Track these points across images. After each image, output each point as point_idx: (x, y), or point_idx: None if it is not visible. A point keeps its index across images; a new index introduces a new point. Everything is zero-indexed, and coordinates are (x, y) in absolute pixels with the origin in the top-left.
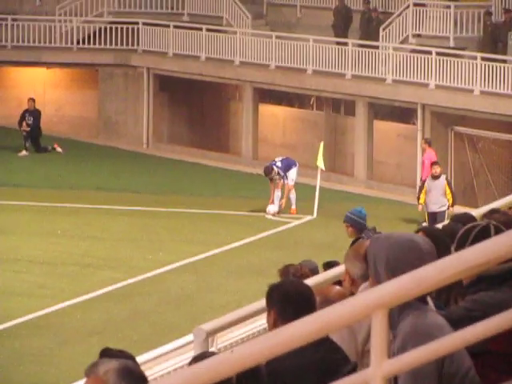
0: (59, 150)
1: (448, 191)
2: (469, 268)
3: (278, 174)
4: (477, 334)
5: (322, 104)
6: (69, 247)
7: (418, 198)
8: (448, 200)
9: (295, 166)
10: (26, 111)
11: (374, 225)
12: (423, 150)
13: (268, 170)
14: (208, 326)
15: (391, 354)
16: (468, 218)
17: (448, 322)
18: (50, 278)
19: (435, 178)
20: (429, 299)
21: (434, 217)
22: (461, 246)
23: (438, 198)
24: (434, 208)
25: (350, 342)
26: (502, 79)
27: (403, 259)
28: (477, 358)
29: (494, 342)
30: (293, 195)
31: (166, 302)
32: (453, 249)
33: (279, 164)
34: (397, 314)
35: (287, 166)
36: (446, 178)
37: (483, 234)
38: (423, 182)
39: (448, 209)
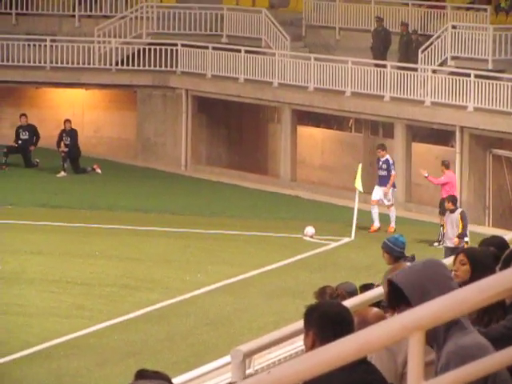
0: (98, 171)
1: (460, 225)
2: (508, 289)
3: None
4: None
5: (360, 126)
6: (106, 268)
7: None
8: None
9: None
10: (63, 131)
11: (413, 253)
12: (442, 172)
13: None
14: (245, 347)
15: (435, 374)
16: (498, 241)
17: (487, 340)
18: (88, 299)
19: (451, 211)
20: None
21: (449, 253)
22: (505, 267)
23: (454, 233)
24: (448, 243)
25: (390, 364)
26: None
27: (437, 282)
28: None
29: None
30: (393, 213)
31: (203, 323)
32: (497, 269)
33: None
34: (442, 334)
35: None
36: (461, 212)
37: None
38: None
39: (460, 242)
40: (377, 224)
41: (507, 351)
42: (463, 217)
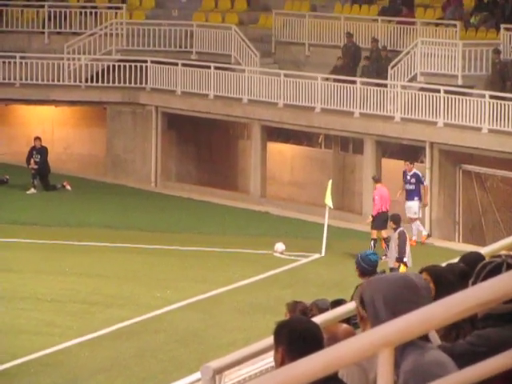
0: (68, 187)
1: (397, 245)
2: (475, 306)
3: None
4: (479, 373)
5: (330, 142)
6: (76, 285)
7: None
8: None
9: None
10: (33, 149)
11: (383, 269)
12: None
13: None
14: (215, 363)
15: None
16: (472, 257)
17: (451, 356)
18: (58, 316)
19: (394, 230)
20: (434, 334)
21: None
22: (475, 282)
23: (393, 254)
24: (390, 263)
25: (361, 381)
26: (511, 117)
27: (401, 296)
28: None
29: (492, 381)
30: (418, 226)
31: (173, 339)
32: (470, 283)
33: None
34: (399, 353)
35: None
36: (399, 232)
37: (494, 271)
38: (375, 217)
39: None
40: (424, 233)
41: (471, 369)
42: (399, 237)
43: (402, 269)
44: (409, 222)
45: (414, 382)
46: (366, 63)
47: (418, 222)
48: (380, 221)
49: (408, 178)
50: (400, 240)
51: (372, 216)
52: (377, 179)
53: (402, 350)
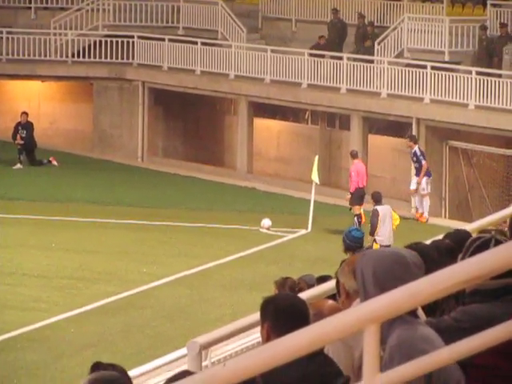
0: (55, 163)
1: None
2: (460, 282)
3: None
4: (465, 349)
5: (316, 118)
6: (63, 260)
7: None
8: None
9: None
10: (18, 124)
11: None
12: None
13: None
14: (202, 339)
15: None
16: (459, 234)
17: (436, 331)
18: (45, 292)
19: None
20: (421, 312)
21: None
22: (464, 258)
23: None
24: (389, 242)
25: (346, 358)
26: (497, 93)
27: (390, 272)
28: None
29: (479, 356)
30: (426, 203)
31: (160, 315)
32: (459, 258)
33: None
34: (386, 328)
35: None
36: (372, 210)
37: (482, 247)
38: (353, 193)
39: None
40: (420, 210)
41: (457, 345)
42: (372, 215)
43: (375, 246)
44: (420, 197)
45: (400, 357)
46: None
47: (427, 198)
48: (357, 196)
49: (411, 156)
50: (371, 217)
51: (350, 192)
52: (354, 154)
53: (389, 325)
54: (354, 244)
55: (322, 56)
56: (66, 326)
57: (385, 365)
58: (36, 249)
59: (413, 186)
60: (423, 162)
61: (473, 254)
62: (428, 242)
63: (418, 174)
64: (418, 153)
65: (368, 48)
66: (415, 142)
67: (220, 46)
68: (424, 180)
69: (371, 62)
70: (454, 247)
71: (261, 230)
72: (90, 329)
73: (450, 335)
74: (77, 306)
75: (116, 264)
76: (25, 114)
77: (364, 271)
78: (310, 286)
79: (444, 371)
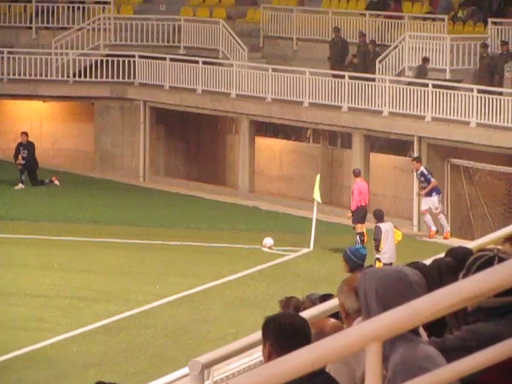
0: (56, 182)
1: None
2: (463, 300)
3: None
4: (469, 366)
5: (318, 137)
6: (65, 280)
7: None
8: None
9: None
10: (20, 144)
11: (371, 263)
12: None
13: None
14: (204, 358)
15: None
16: (460, 251)
17: (441, 351)
18: (47, 311)
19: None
20: (421, 330)
21: None
22: (466, 275)
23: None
24: (392, 259)
25: (348, 378)
26: (499, 111)
27: (392, 291)
28: None
29: (485, 374)
30: (442, 220)
31: (162, 334)
32: (460, 276)
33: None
34: (388, 346)
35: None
36: (374, 227)
37: (486, 265)
38: (355, 212)
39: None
40: (433, 228)
41: (460, 363)
42: (375, 232)
43: (378, 265)
44: (434, 216)
45: (403, 376)
46: (354, 60)
47: (441, 216)
48: (359, 215)
49: (418, 176)
50: (375, 234)
51: (351, 211)
52: (357, 173)
53: (392, 343)
54: (360, 262)
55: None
56: (69, 346)
57: (388, 383)
58: (38, 269)
59: (424, 207)
60: (432, 180)
61: (477, 271)
62: (429, 260)
63: (426, 195)
64: (426, 172)
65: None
66: (420, 163)
67: (221, 65)
68: (436, 198)
69: (373, 80)
70: (455, 265)
71: (263, 248)
72: (92, 348)
73: (456, 354)
74: (79, 325)
75: (118, 283)
76: (24, 134)
77: (367, 290)
78: (315, 305)
79: None
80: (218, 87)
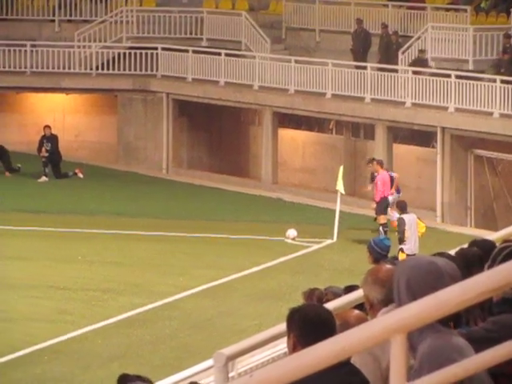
0: (80, 175)
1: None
2: (489, 291)
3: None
4: (494, 357)
5: (341, 128)
6: (89, 273)
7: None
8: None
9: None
10: (43, 137)
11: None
12: (376, 172)
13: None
14: (228, 350)
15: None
16: (484, 243)
17: (468, 342)
18: (71, 304)
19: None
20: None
21: None
22: (491, 266)
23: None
24: (415, 250)
25: (374, 369)
26: None
27: (422, 281)
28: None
29: (511, 365)
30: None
31: (186, 326)
32: (486, 267)
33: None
34: (417, 335)
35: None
36: (397, 219)
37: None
38: (378, 203)
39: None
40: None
41: (486, 354)
42: (398, 223)
43: (401, 256)
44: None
45: (430, 365)
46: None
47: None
48: (382, 206)
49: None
50: (399, 226)
51: (375, 202)
52: (381, 163)
53: (420, 332)
54: (384, 253)
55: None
56: (93, 338)
57: (414, 373)
58: (61, 261)
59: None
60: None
61: (502, 262)
62: (454, 250)
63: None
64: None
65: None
66: (382, 166)
67: (244, 56)
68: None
69: (395, 71)
70: (482, 255)
71: (286, 240)
72: (116, 341)
73: (482, 346)
74: (103, 318)
75: (141, 276)
76: (48, 127)
77: (399, 280)
78: (337, 296)
79: (475, 381)
80: (241, 79)
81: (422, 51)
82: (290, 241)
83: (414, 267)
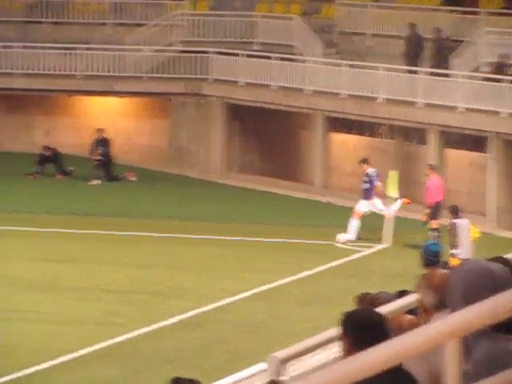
0: (133, 178)
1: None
2: None
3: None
4: None
5: (393, 132)
6: (140, 276)
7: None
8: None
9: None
10: (96, 140)
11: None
12: (427, 176)
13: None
14: (281, 353)
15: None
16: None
17: None
18: (121, 307)
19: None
20: None
21: None
22: None
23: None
24: (468, 255)
25: (426, 373)
26: None
27: (476, 286)
28: None
29: None
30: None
31: (238, 330)
32: None
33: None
34: (471, 340)
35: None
36: (450, 224)
37: None
38: (431, 208)
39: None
40: (350, 237)
41: None
42: (450, 228)
43: (452, 261)
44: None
45: (486, 371)
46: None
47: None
48: (434, 211)
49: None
50: (451, 231)
51: (428, 206)
52: (433, 168)
53: (475, 337)
54: (433, 258)
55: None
56: (144, 342)
57: (470, 378)
58: (112, 264)
59: (362, 209)
60: (378, 184)
61: None
62: (507, 255)
63: (368, 197)
64: (373, 174)
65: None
66: (367, 164)
67: (296, 60)
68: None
69: (448, 75)
70: None
71: (336, 244)
72: (168, 344)
73: None
74: (154, 321)
75: (193, 279)
76: (100, 130)
77: (454, 284)
78: (389, 301)
79: None
80: (293, 83)
81: (504, 56)
82: (340, 245)
83: (468, 272)
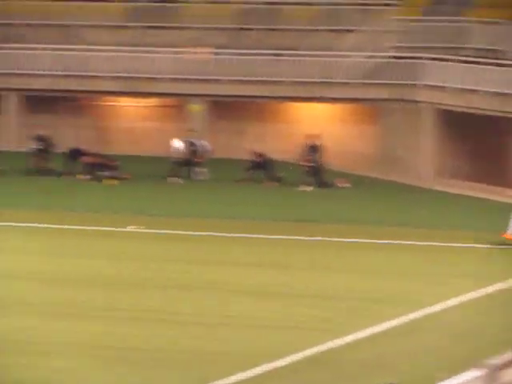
0: (345, 185)
1: None
2: None
3: None
4: None
5: None
6: (349, 282)
7: None
8: None
9: None
10: (307, 146)
11: None
12: None
13: None
14: (495, 360)
15: None
16: None
17: None
18: (332, 312)
19: None
20: None
21: None
22: None
23: None
24: None
25: None
26: None
27: None
28: None
29: None
30: None
31: (449, 337)
32: None
33: None
34: None
35: None
36: None
37: None
38: None
39: None
40: None
41: None
42: None
43: None
44: None
45: None
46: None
47: None
48: None
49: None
50: None
51: None
52: None
53: None
54: None
55: None
56: (354, 348)
57: None
58: (326, 270)
59: None
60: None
61: None
62: None
63: None
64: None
65: None
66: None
67: (510, 66)
68: None
69: None
70: None
71: None
72: (374, 351)
73: None
74: (365, 327)
75: (401, 285)
76: (311, 136)
77: None
78: None
79: None
80: (504, 88)
81: None
82: None
83: None
